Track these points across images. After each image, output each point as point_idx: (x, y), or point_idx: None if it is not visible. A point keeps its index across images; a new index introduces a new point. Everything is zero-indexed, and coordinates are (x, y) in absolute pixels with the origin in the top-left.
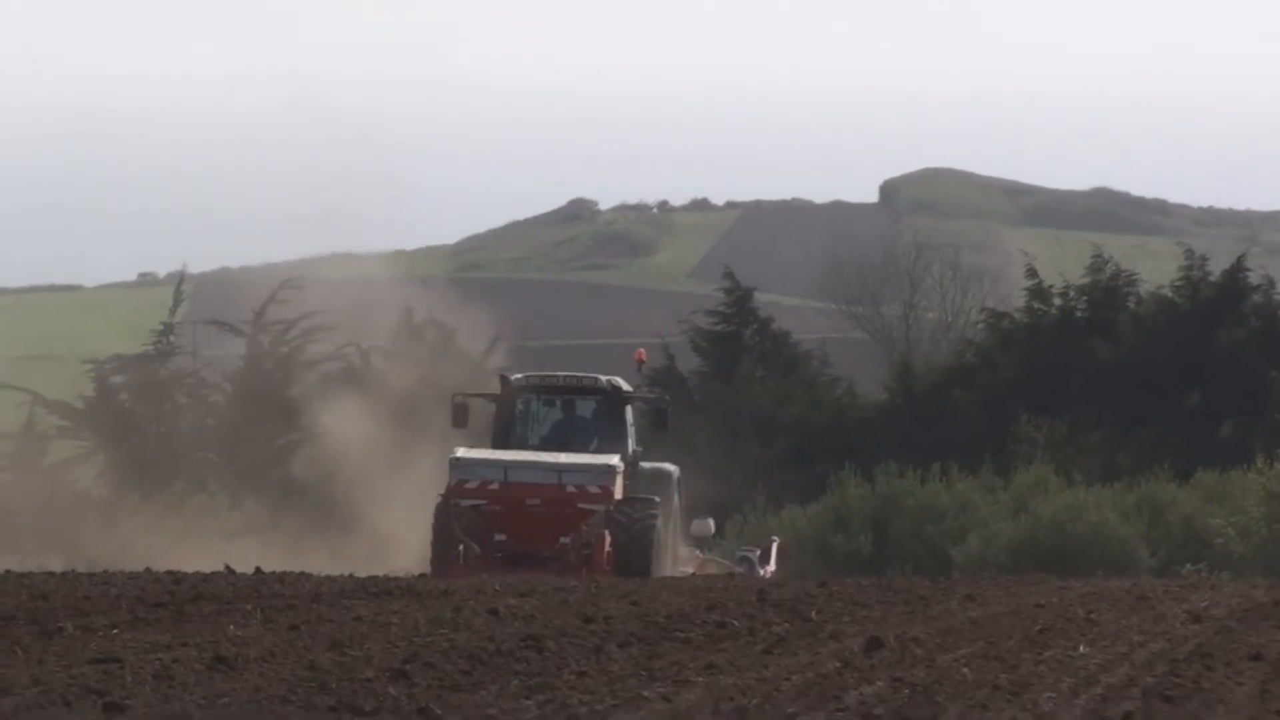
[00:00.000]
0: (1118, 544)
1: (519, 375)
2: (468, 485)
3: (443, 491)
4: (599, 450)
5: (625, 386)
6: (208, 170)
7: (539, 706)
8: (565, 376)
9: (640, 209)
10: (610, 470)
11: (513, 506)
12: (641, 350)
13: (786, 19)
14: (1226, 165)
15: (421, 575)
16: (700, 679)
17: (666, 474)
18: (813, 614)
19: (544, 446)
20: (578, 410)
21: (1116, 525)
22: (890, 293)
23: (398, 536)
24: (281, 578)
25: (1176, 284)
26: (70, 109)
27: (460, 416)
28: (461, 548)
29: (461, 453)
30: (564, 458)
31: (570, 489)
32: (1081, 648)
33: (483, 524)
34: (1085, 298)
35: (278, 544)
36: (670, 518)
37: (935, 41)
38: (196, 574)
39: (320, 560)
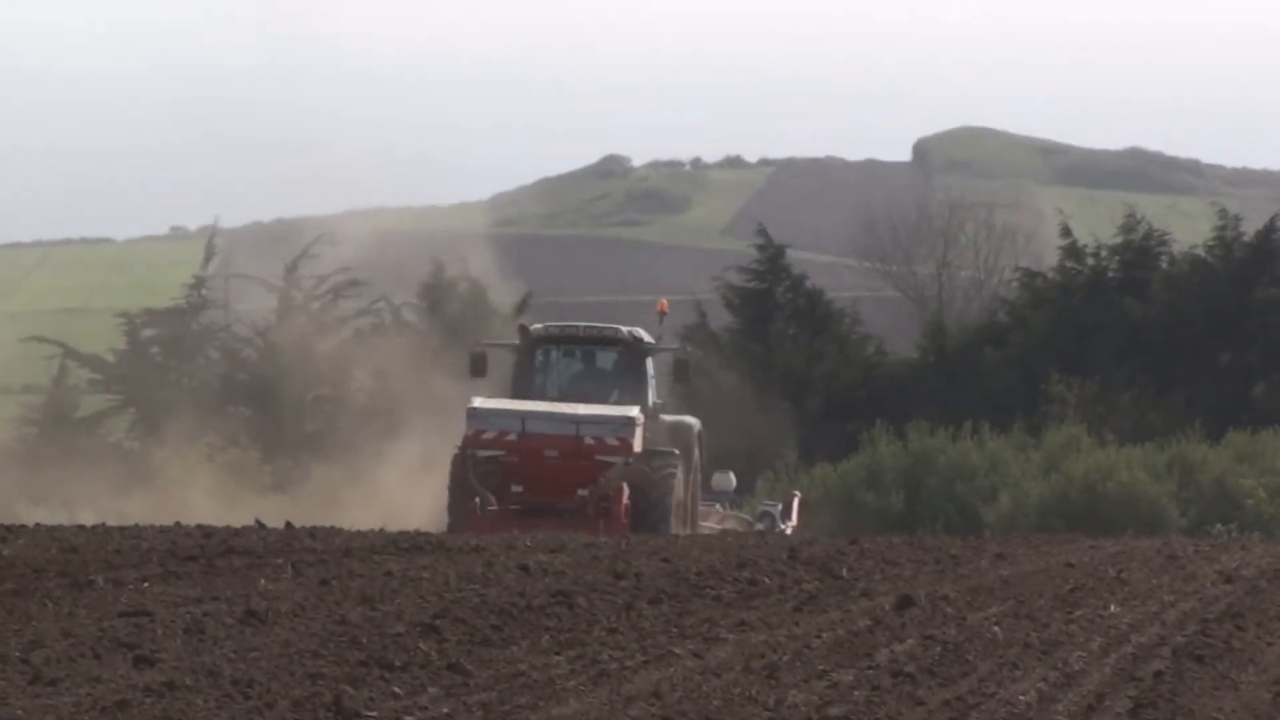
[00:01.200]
0: (1148, 504)
1: (538, 325)
2: (485, 436)
3: (459, 445)
4: (619, 402)
5: (646, 338)
6: (246, 128)
7: (569, 662)
8: (585, 327)
9: (674, 165)
10: (629, 422)
11: (530, 458)
12: (663, 301)
13: None
14: (1260, 126)
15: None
16: (731, 636)
17: (688, 427)
18: (844, 571)
19: (563, 398)
20: (598, 361)
21: (1147, 485)
22: (923, 251)
23: (418, 491)
24: (312, 532)
25: (1209, 244)
26: (109, 68)
27: (479, 366)
28: (478, 499)
29: (479, 403)
30: (583, 409)
31: (589, 441)
32: (1112, 607)
33: (500, 475)
34: (1118, 257)
35: (308, 499)
36: (691, 471)
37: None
38: (227, 528)
39: (350, 515)
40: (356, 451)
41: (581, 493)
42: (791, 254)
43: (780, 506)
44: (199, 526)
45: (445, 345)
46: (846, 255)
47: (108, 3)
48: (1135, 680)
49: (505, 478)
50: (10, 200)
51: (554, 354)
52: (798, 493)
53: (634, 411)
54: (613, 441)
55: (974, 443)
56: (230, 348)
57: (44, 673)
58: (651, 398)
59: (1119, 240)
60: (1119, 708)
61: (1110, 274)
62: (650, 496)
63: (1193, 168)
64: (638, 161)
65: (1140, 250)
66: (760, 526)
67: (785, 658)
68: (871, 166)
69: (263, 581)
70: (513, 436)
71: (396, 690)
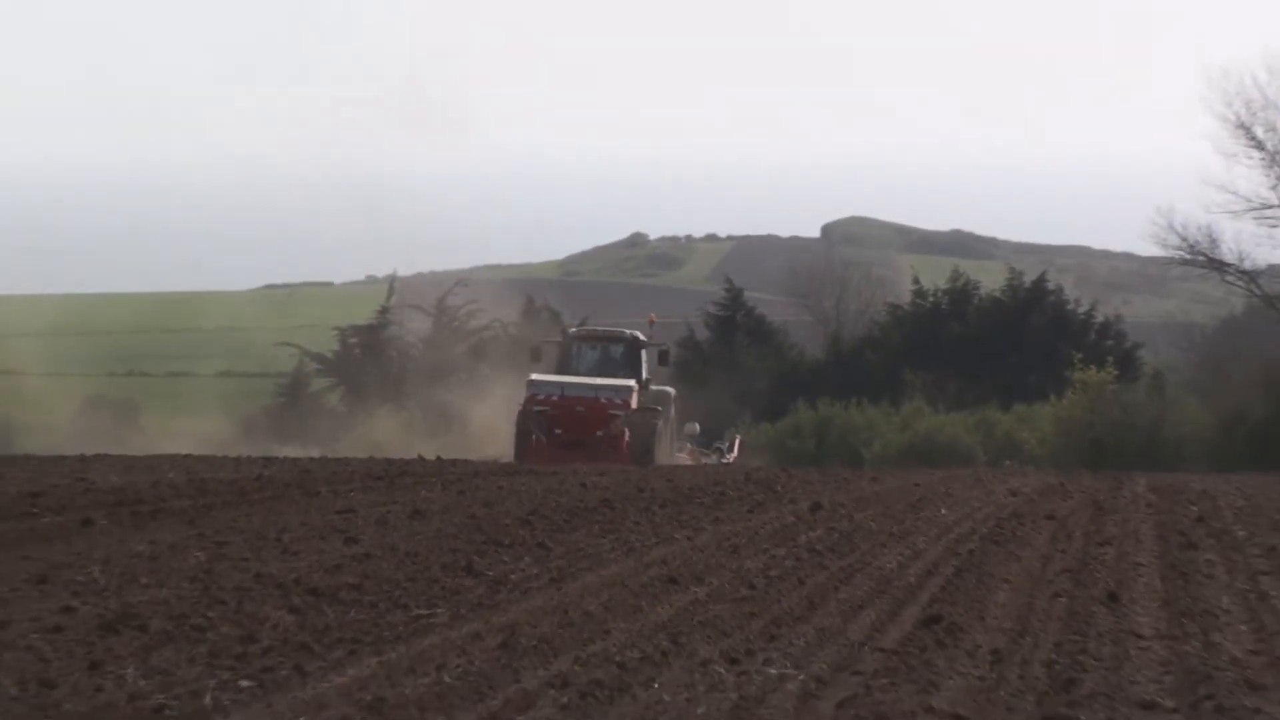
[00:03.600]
0: (964, 448)
1: (573, 329)
2: (538, 398)
3: (521, 403)
4: (622, 377)
5: (642, 337)
6: (410, 202)
7: (610, 542)
8: (602, 330)
9: (674, 239)
10: (629, 390)
11: (566, 411)
12: (653, 315)
13: (773, 115)
14: (1036, 215)
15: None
16: (709, 527)
17: (667, 394)
18: (778, 488)
19: (588, 374)
20: (610, 352)
21: (963, 437)
22: (828, 293)
23: (502, 432)
24: (453, 462)
25: (1003, 290)
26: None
27: (537, 355)
28: (534, 437)
29: (535, 377)
30: (599, 381)
31: (603, 400)
32: (942, 510)
33: (547, 422)
34: (947, 297)
35: (450, 442)
36: (668, 421)
37: (860, 130)
38: (401, 460)
39: (464, 447)
40: (473, 410)
41: (599, 434)
42: (747, 294)
43: (727, 444)
44: (384, 459)
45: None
46: (780, 295)
47: (300, 115)
48: (956, 555)
49: (550, 424)
50: (270, 254)
51: (583, 347)
52: (739, 435)
53: (631, 383)
54: (618, 402)
55: (858, 410)
56: (403, 350)
57: (290, 547)
58: (644, 375)
59: (947, 287)
60: (947, 571)
61: (942, 307)
62: (641, 436)
63: (993, 242)
64: (652, 236)
65: (961, 293)
66: (713, 459)
67: (743, 540)
68: (796, 240)
69: (423, 492)
70: (556, 397)
71: (505, 559)
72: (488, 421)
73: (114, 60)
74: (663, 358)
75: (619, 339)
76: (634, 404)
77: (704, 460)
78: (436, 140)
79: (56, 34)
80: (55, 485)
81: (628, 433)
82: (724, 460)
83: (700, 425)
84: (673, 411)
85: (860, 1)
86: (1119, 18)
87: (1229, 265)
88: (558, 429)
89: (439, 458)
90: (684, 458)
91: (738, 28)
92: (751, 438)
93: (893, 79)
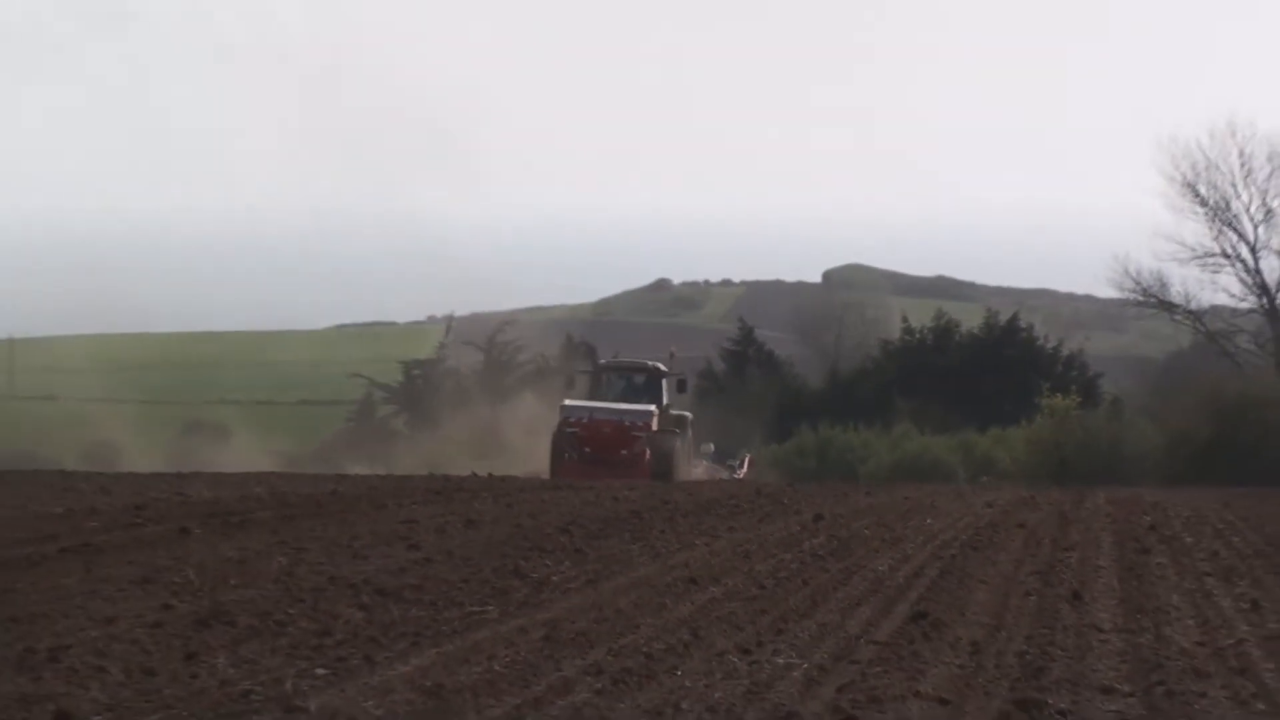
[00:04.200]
0: (946, 466)
1: (603, 361)
2: (571, 420)
3: (556, 425)
4: (645, 403)
5: (662, 367)
6: (459, 249)
7: (639, 548)
8: (627, 362)
9: (695, 284)
10: (650, 414)
11: (595, 432)
12: (673, 348)
13: (780, 171)
14: (1009, 262)
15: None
16: (725, 535)
17: (684, 417)
18: (785, 501)
19: (614, 400)
20: (634, 380)
21: (946, 456)
22: (827, 330)
23: (539, 451)
24: (503, 478)
25: (981, 328)
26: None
27: (570, 383)
28: (566, 455)
29: (568, 402)
30: (624, 406)
31: (627, 423)
32: (928, 520)
33: (578, 442)
34: (931, 334)
35: (498, 461)
36: (686, 441)
37: (857, 188)
38: (457, 476)
39: (509, 464)
40: (517, 432)
41: (624, 452)
42: (757, 332)
43: (738, 462)
44: (443, 475)
45: (564, 376)
46: (787, 333)
47: (353, 166)
48: (940, 559)
49: (581, 443)
50: (342, 295)
51: (611, 376)
52: (749, 455)
53: (652, 408)
54: (640, 424)
55: (854, 433)
56: (460, 381)
57: (360, 552)
58: (665, 400)
59: (932, 325)
60: (932, 573)
61: (927, 343)
62: (660, 454)
63: (971, 286)
64: (675, 281)
65: (943, 331)
66: (726, 474)
67: (754, 547)
68: (800, 284)
69: (476, 504)
70: (586, 420)
71: (547, 563)
72: (529, 442)
73: (175, 115)
74: (681, 385)
75: (642, 369)
76: (654, 426)
77: (718, 476)
78: (491, 198)
79: (123, 94)
80: (156, 499)
81: (648, 452)
82: (736, 475)
83: (715, 445)
84: (690, 433)
85: (855, 75)
86: (1081, 88)
87: (1177, 306)
88: (587, 448)
89: (490, 474)
90: (700, 474)
91: (752, 98)
92: (761, 457)
93: (883, 145)
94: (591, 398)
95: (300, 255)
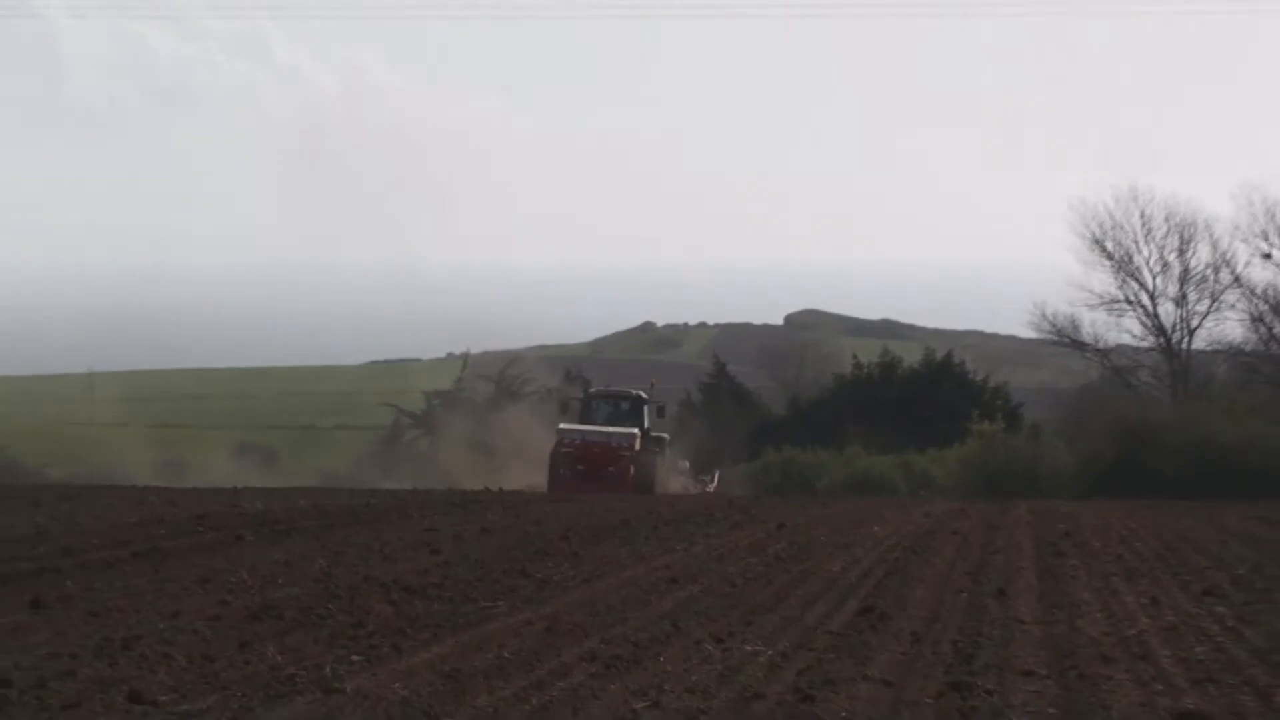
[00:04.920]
0: (890, 482)
1: (593, 389)
2: (565, 441)
3: (554, 445)
4: (629, 426)
5: (644, 395)
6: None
7: (627, 552)
8: (614, 390)
9: (676, 325)
10: (633, 436)
11: (586, 452)
12: (654, 379)
13: (746, 229)
14: (944, 307)
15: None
16: (701, 541)
17: (663, 439)
18: (753, 512)
19: (603, 424)
20: (620, 406)
21: (890, 473)
22: (789, 366)
23: (540, 469)
24: (512, 492)
25: (920, 364)
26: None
27: (564, 409)
28: (562, 471)
29: (563, 426)
30: (611, 429)
31: (614, 444)
32: (875, 528)
33: (572, 460)
34: (878, 369)
35: (509, 475)
36: (664, 459)
37: (812, 243)
38: (472, 491)
39: (517, 482)
40: (521, 452)
41: (611, 469)
42: (730, 367)
43: (709, 477)
44: (460, 489)
45: (559, 402)
46: (754, 368)
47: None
48: (886, 561)
49: (574, 461)
50: (377, 339)
51: (599, 403)
52: (719, 471)
53: (635, 431)
54: (625, 445)
55: (812, 453)
56: (473, 410)
57: (390, 555)
58: (646, 424)
59: (878, 361)
60: (879, 573)
61: (874, 377)
62: (643, 471)
63: (911, 328)
64: (659, 324)
65: (888, 365)
66: (698, 489)
67: (726, 551)
68: (766, 327)
69: (489, 514)
70: (578, 441)
71: (549, 564)
72: (530, 461)
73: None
74: (660, 411)
75: (626, 397)
76: (637, 446)
77: (692, 490)
78: (504, 248)
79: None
80: (215, 510)
81: (633, 468)
82: (707, 489)
83: (689, 463)
84: (668, 452)
85: (822, 141)
86: (1004, 161)
87: (1087, 345)
88: (580, 465)
89: (500, 489)
90: (677, 487)
91: (730, 165)
92: (732, 474)
93: (839, 208)
94: (584, 422)
95: (337, 303)
